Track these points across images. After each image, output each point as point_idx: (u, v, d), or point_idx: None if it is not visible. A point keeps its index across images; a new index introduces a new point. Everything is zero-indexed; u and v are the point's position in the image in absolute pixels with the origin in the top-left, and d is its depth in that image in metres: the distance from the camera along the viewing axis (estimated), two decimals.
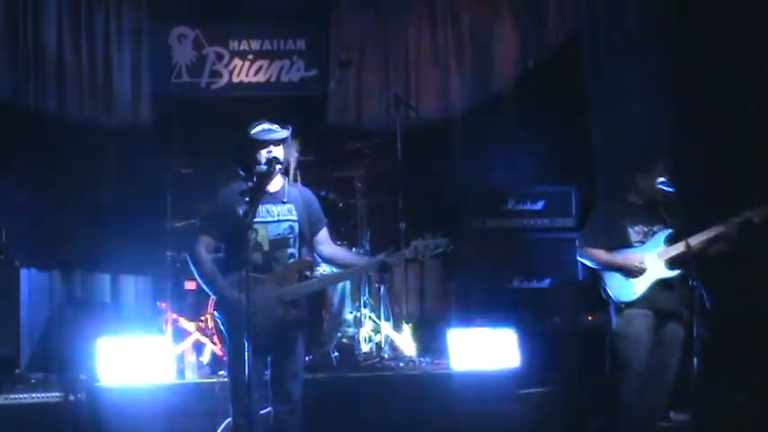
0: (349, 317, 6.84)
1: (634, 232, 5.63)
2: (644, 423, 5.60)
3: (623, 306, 5.61)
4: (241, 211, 4.71)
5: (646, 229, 5.63)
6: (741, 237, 5.45)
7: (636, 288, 5.56)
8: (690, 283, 5.32)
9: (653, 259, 5.55)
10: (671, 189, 5.50)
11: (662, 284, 5.55)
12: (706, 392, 5.58)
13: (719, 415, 5.99)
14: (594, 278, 5.85)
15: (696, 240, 5.44)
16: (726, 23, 7.23)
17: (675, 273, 5.52)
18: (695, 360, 5.30)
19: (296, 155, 6.51)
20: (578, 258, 5.81)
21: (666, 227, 5.60)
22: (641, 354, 5.57)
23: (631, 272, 5.56)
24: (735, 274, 6.48)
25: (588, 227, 5.88)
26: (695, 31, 7.45)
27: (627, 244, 5.62)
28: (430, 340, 6.95)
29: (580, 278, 6.96)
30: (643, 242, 5.61)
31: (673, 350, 5.57)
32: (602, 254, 5.67)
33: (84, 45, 7.59)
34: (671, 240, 5.55)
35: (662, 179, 5.53)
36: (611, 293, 5.66)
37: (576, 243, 5.82)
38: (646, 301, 5.56)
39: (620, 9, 7.90)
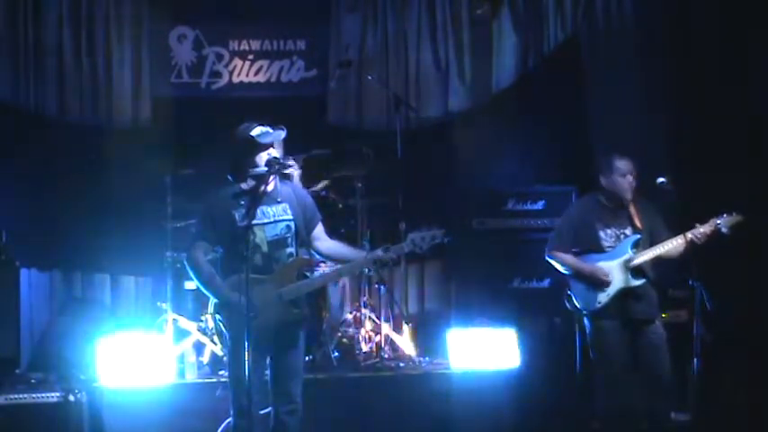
0: (349, 317, 6.85)
1: (606, 236, 5.58)
2: (645, 425, 5.58)
3: (591, 316, 5.59)
4: (237, 215, 4.71)
5: (618, 233, 5.59)
6: (708, 243, 5.40)
7: (600, 297, 5.53)
8: (689, 283, 5.32)
9: (619, 269, 5.52)
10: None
11: (629, 293, 5.52)
12: (706, 392, 5.58)
13: (719, 415, 5.99)
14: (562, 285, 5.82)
15: (662, 249, 5.44)
16: (725, 23, 7.24)
17: (641, 282, 5.50)
18: (695, 360, 5.30)
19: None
20: (546, 259, 5.75)
21: (635, 232, 5.56)
22: (615, 366, 5.53)
23: (597, 284, 5.53)
24: (734, 275, 6.50)
25: (559, 229, 5.82)
26: (694, 31, 7.45)
27: (598, 249, 5.59)
28: (430, 340, 6.96)
29: None
30: (614, 247, 5.56)
31: (657, 351, 5.53)
32: (569, 259, 5.64)
33: (84, 45, 7.57)
34: (637, 247, 5.52)
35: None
36: (576, 302, 5.64)
37: (546, 244, 5.77)
38: (614, 310, 5.53)
39: (619, 9, 7.89)
